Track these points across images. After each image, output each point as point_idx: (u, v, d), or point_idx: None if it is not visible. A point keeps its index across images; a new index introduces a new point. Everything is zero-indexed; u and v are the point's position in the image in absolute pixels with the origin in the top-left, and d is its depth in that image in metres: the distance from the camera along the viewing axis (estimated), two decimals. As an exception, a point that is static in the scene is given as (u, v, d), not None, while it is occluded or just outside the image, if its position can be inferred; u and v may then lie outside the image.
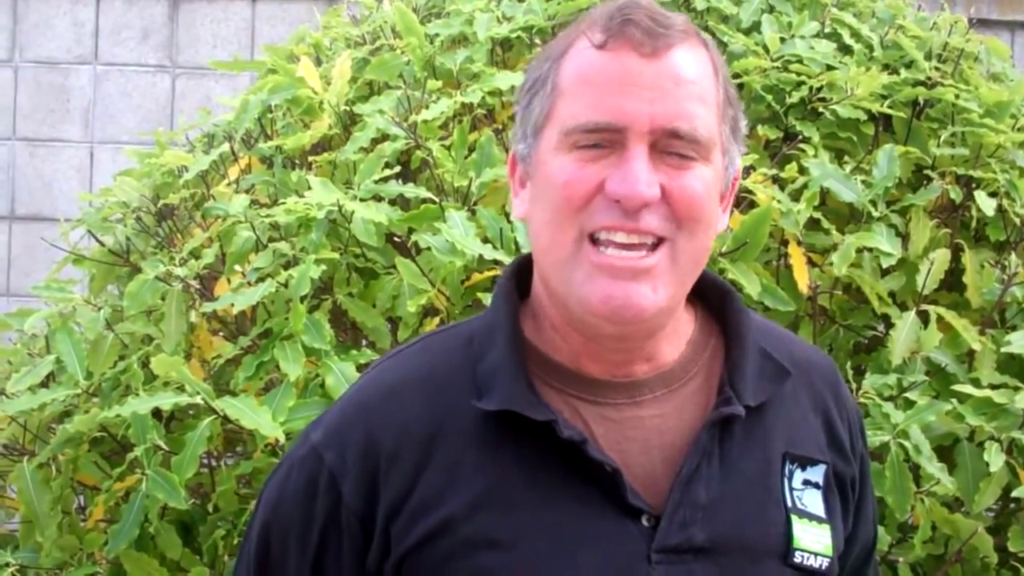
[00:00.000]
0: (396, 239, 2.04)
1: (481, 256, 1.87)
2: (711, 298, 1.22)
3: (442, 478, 1.13)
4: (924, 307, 1.98)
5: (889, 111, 2.13)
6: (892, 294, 2.03)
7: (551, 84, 1.13)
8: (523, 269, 1.21)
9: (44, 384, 2.05)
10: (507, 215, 1.95)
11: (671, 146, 1.09)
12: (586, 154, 1.10)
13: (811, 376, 1.24)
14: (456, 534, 1.11)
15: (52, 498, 1.99)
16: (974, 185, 2.11)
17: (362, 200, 1.98)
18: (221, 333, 2.16)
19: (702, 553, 1.12)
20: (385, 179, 2.02)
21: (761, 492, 1.16)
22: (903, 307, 2.02)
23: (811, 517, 1.18)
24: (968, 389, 1.92)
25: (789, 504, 1.17)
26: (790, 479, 1.18)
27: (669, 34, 1.10)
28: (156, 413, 1.88)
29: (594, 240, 1.10)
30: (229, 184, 2.23)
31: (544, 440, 1.12)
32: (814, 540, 1.17)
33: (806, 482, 1.19)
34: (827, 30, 2.28)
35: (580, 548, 1.11)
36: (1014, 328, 2.03)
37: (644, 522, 1.12)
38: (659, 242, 1.10)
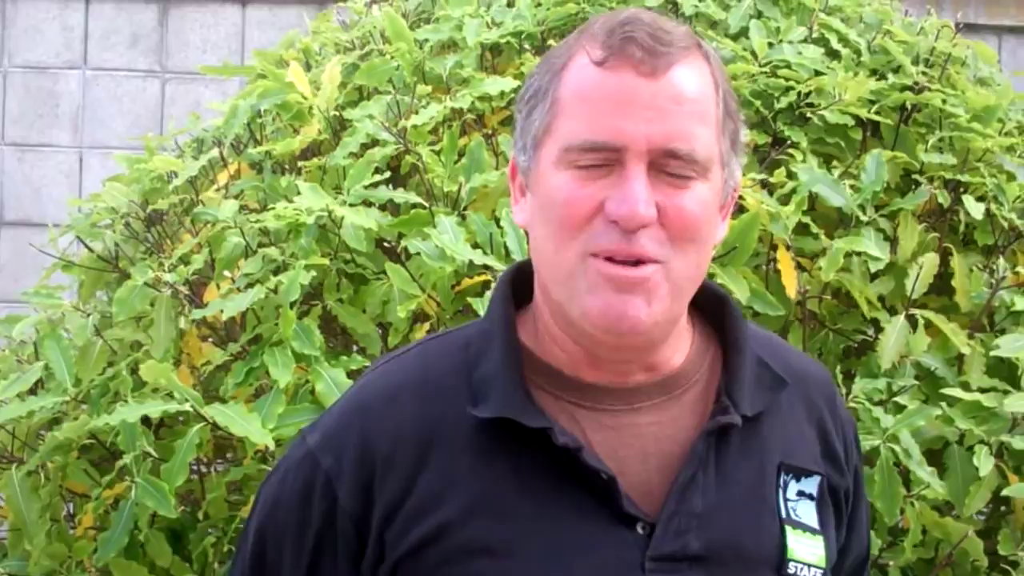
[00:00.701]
0: (386, 244, 2.04)
1: (471, 261, 1.87)
2: (709, 307, 1.21)
3: (437, 484, 1.12)
4: (913, 311, 1.99)
5: (877, 116, 2.13)
6: (881, 298, 2.04)
7: (551, 97, 1.12)
8: (519, 275, 1.21)
9: (33, 391, 2.05)
10: (497, 220, 1.95)
11: (669, 165, 1.09)
12: (585, 172, 1.09)
13: (807, 387, 1.24)
14: (451, 540, 1.11)
15: (41, 506, 1.98)
16: (962, 189, 2.12)
17: (352, 205, 1.98)
18: (210, 339, 2.16)
19: (697, 561, 1.12)
20: (375, 184, 2.01)
21: (756, 502, 1.16)
22: (892, 311, 2.02)
23: (805, 528, 1.17)
24: (958, 393, 1.92)
25: (783, 515, 1.17)
26: (784, 490, 1.18)
27: (670, 52, 1.09)
28: (145, 420, 1.87)
29: (595, 256, 1.09)
30: (218, 189, 2.22)
31: (540, 447, 1.11)
32: (808, 551, 1.16)
33: (800, 493, 1.18)
34: (815, 35, 2.28)
35: (575, 556, 1.10)
36: (1003, 332, 2.03)
37: (639, 530, 1.11)
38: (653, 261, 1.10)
